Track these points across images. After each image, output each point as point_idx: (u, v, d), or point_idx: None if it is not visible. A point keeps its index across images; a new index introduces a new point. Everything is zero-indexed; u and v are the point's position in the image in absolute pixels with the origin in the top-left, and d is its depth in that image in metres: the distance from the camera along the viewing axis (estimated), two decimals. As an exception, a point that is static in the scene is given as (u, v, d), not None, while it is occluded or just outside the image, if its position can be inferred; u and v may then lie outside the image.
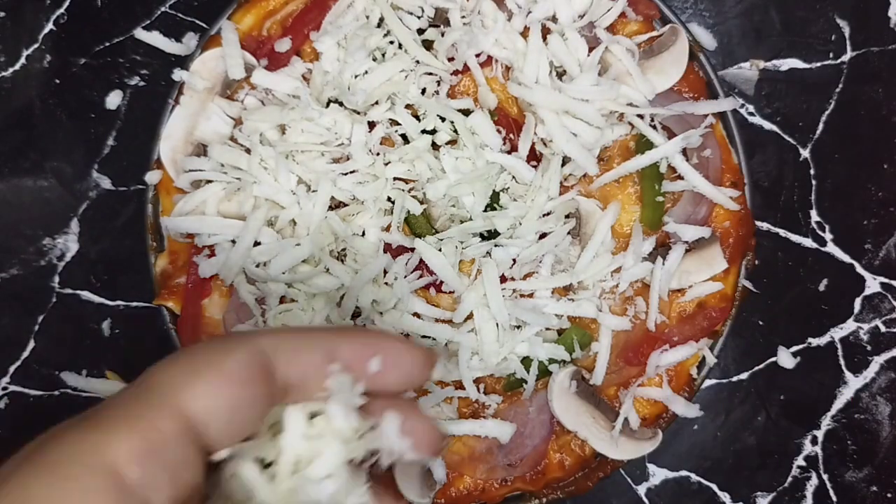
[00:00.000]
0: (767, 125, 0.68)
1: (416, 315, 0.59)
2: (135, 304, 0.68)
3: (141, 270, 0.62)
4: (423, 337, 0.59)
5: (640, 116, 0.60)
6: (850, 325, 0.68)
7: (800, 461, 0.67)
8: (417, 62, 0.60)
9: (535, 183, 0.59)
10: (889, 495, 0.67)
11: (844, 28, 0.68)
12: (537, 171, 0.59)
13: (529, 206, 0.59)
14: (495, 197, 0.59)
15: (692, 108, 0.60)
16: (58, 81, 0.69)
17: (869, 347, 0.68)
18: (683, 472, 0.67)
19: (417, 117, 0.60)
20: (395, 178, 0.59)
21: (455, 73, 0.60)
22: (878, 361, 0.68)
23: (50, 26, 0.69)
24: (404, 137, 0.60)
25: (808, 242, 0.68)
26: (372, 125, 0.59)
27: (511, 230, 0.59)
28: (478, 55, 0.60)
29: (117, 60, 0.69)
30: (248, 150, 0.59)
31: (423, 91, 0.60)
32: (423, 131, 0.59)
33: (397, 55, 0.59)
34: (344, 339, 0.29)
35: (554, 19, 0.60)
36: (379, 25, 0.60)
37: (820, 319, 0.68)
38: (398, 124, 0.59)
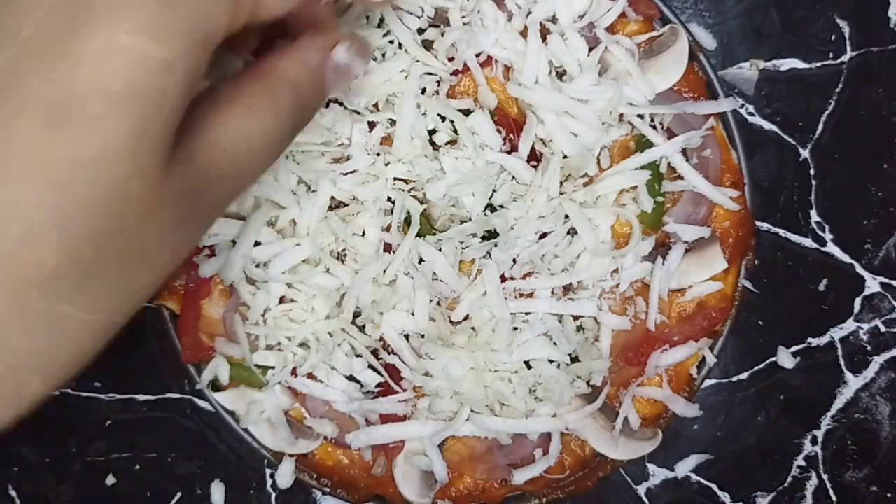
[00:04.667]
0: (767, 125, 0.68)
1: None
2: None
3: (141, 270, 0.62)
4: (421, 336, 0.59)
5: (640, 116, 0.60)
6: (849, 325, 0.68)
7: (799, 461, 0.67)
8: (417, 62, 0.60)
9: (535, 183, 0.58)
10: (889, 495, 0.67)
11: (844, 28, 0.68)
12: (537, 171, 0.59)
13: (529, 206, 0.59)
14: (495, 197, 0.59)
15: (692, 108, 0.60)
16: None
17: (869, 347, 0.68)
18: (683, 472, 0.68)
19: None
20: (395, 179, 0.59)
21: (455, 73, 0.60)
22: (877, 361, 0.68)
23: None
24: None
25: (807, 242, 0.68)
26: (372, 125, 0.59)
27: (511, 230, 0.59)
28: (478, 55, 0.60)
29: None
30: (248, 150, 0.59)
31: (423, 91, 0.60)
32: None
33: (397, 55, 0.59)
34: None
35: (554, 20, 0.60)
36: (379, 25, 0.60)
37: (820, 319, 0.68)
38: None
